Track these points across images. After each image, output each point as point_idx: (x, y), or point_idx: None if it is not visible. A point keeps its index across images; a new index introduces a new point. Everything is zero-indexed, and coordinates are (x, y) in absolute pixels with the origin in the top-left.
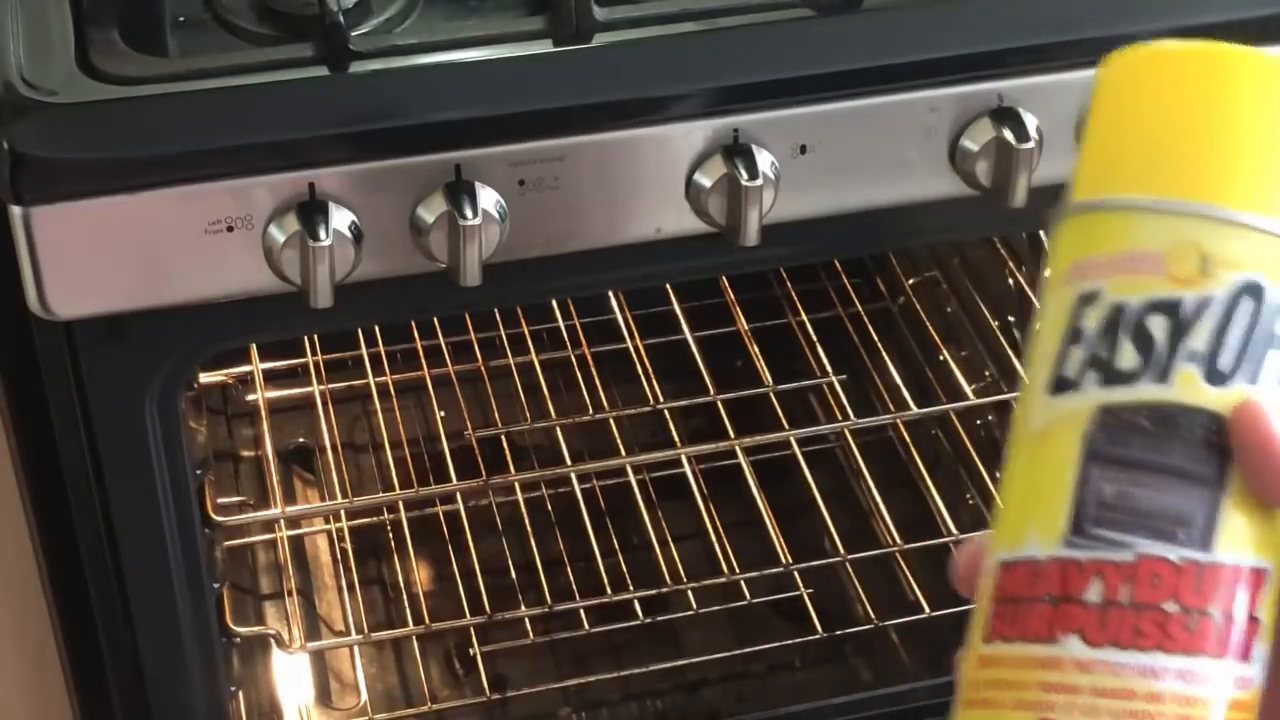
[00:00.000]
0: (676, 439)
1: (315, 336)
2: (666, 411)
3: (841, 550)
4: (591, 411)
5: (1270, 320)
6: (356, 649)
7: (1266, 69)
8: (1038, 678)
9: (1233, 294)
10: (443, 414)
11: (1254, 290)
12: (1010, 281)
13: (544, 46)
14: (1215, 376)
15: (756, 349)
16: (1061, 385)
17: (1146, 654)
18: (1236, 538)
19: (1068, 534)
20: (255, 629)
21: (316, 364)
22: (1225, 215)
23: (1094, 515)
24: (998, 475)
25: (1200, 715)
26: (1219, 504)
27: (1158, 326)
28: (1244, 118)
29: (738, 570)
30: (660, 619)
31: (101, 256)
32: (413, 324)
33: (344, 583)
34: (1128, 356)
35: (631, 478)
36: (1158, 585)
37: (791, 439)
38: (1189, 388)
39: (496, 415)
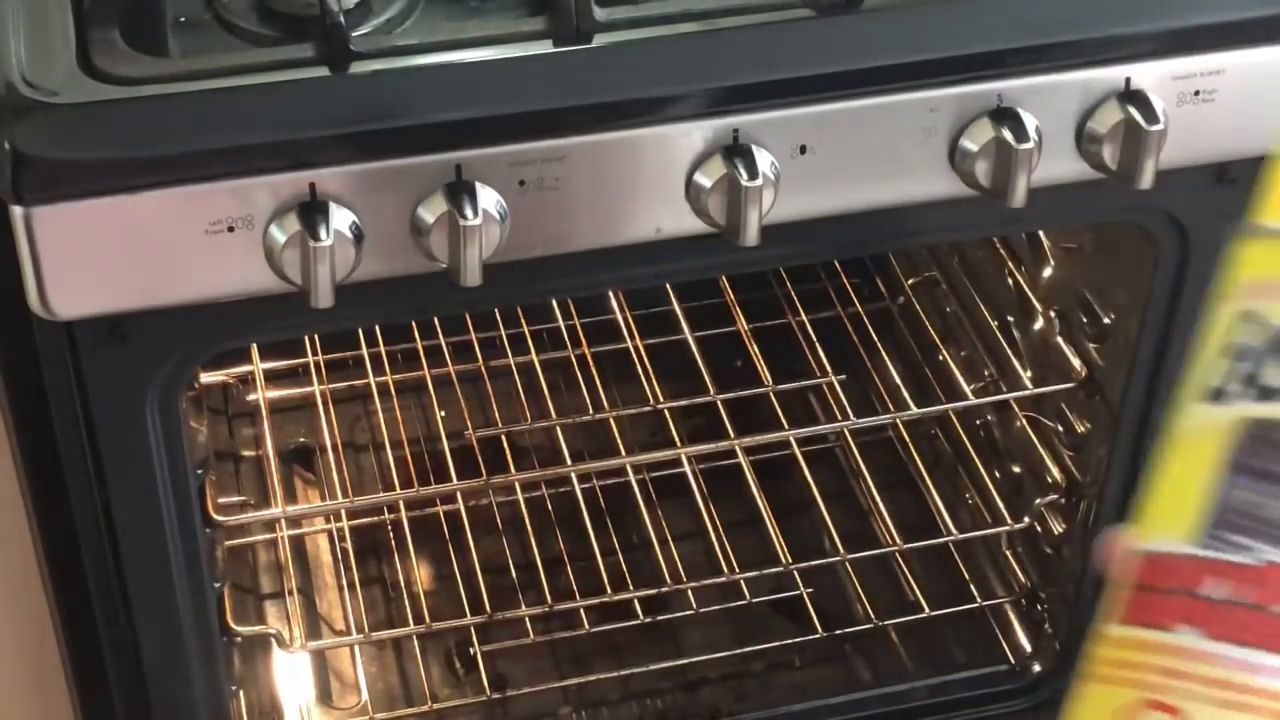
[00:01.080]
0: (676, 439)
1: (315, 336)
2: (666, 411)
3: (841, 550)
4: (591, 411)
5: None
6: (357, 648)
7: None
8: (1152, 661)
9: None
10: (443, 414)
11: None
12: (1010, 281)
13: (544, 47)
14: None
15: (756, 349)
16: (1214, 395)
17: (1254, 651)
18: None
19: (1199, 534)
20: (256, 628)
21: (317, 364)
22: None
23: (1225, 519)
24: (996, 474)
25: None
26: None
27: None
28: None
29: (737, 570)
30: (660, 619)
31: (102, 256)
32: (413, 324)
33: (344, 582)
34: (1278, 375)
35: (631, 478)
36: (1275, 590)
37: (791, 439)
38: None
39: (496, 415)
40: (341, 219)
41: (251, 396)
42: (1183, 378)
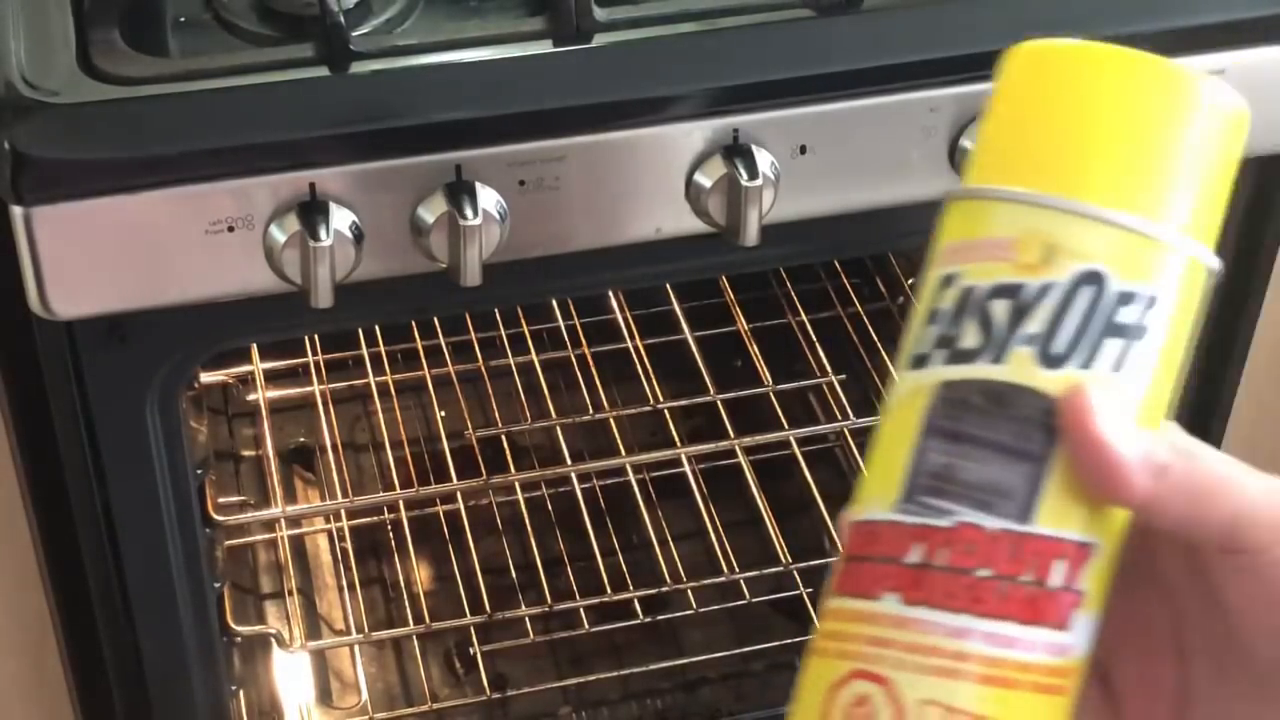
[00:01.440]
0: (676, 439)
1: (315, 336)
2: (666, 411)
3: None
4: (591, 411)
5: (1110, 309)
6: (357, 648)
7: (1117, 64)
8: (860, 630)
9: (1073, 281)
10: (443, 414)
11: (1095, 279)
12: None
13: (544, 46)
14: (1049, 359)
15: (756, 349)
16: (917, 361)
17: (955, 615)
18: (1059, 513)
19: (900, 500)
20: (256, 628)
21: (317, 364)
22: (1070, 206)
23: (924, 484)
24: None
25: (1005, 676)
26: (1041, 480)
27: (999, 309)
28: (1096, 111)
29: (737, 570)
30: (660, 618)
31: (102, 256)
32: (413, 324)
33: (344, 582)
34: (970, 336)
35: (631, 477)
36: (972, 552)
37: (791, 439)
38: (1021, 368)
39: (496, 415)
40: (341, 219)
41: (251, 396)
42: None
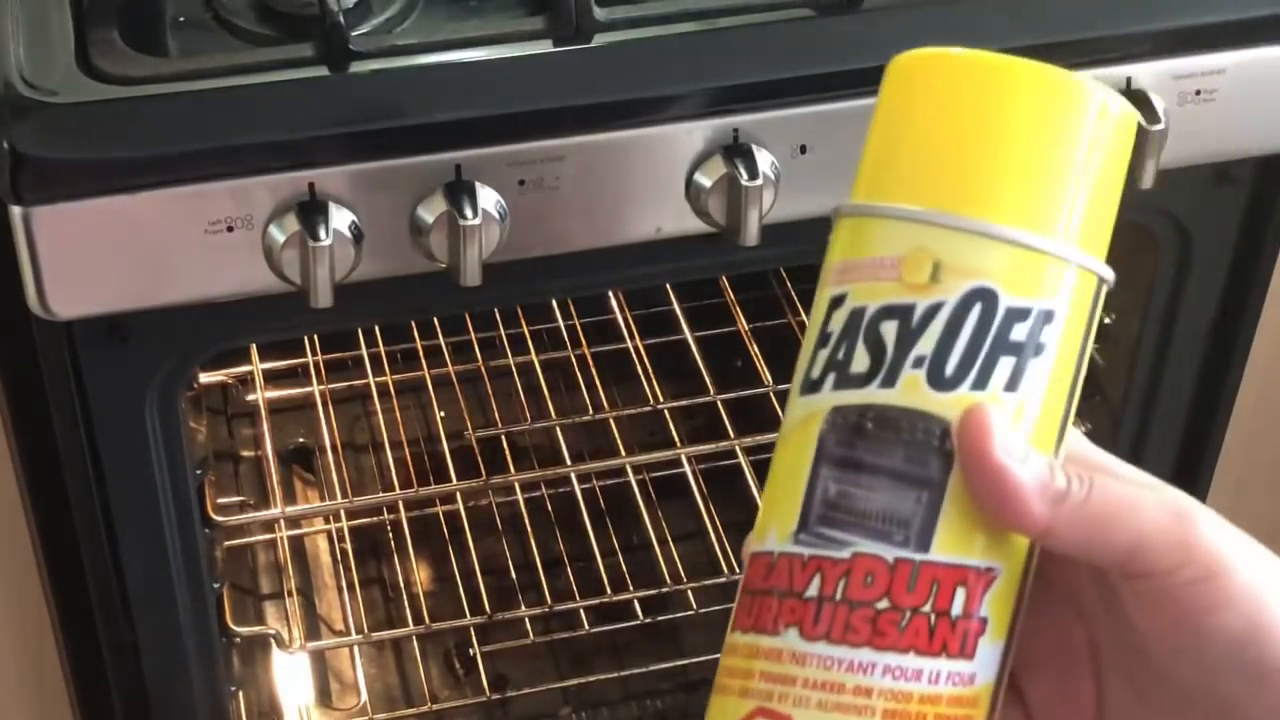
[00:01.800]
0: (676, 439)
1: (315, 336)
2: (666, 411)
3: None
4: (591, 411)
5: (1001, 326)
6: (356, 649)
7: (1000, 73)
8: (760, 668)
9: (962, 300)
10: (443, 414)
11: (985, 296)
12: None
13: (544, 46)
14: (940, 382)
15: (756, 349)
16: (808, 386)
17: (856, 649)
18: (957, 539)
19: (796, 531)
20: (255, 629)
21: (316, 364)
22: (956, 222)
23: (819, 514)
24: None
25: (910, 710)
26: (938, 506)
27: (888, 331)
28: (980, 123)
29: (738, 570)
30: (661, 619)
31: (101, 256)
32: (413, 324)
33: (344, 583)
34: (860, 360)
35: (631, 478)
36: (870, 583)
37: None
38: (912, 391)
39: (496, 415)
40: (341, 219)
41: (251, 397)
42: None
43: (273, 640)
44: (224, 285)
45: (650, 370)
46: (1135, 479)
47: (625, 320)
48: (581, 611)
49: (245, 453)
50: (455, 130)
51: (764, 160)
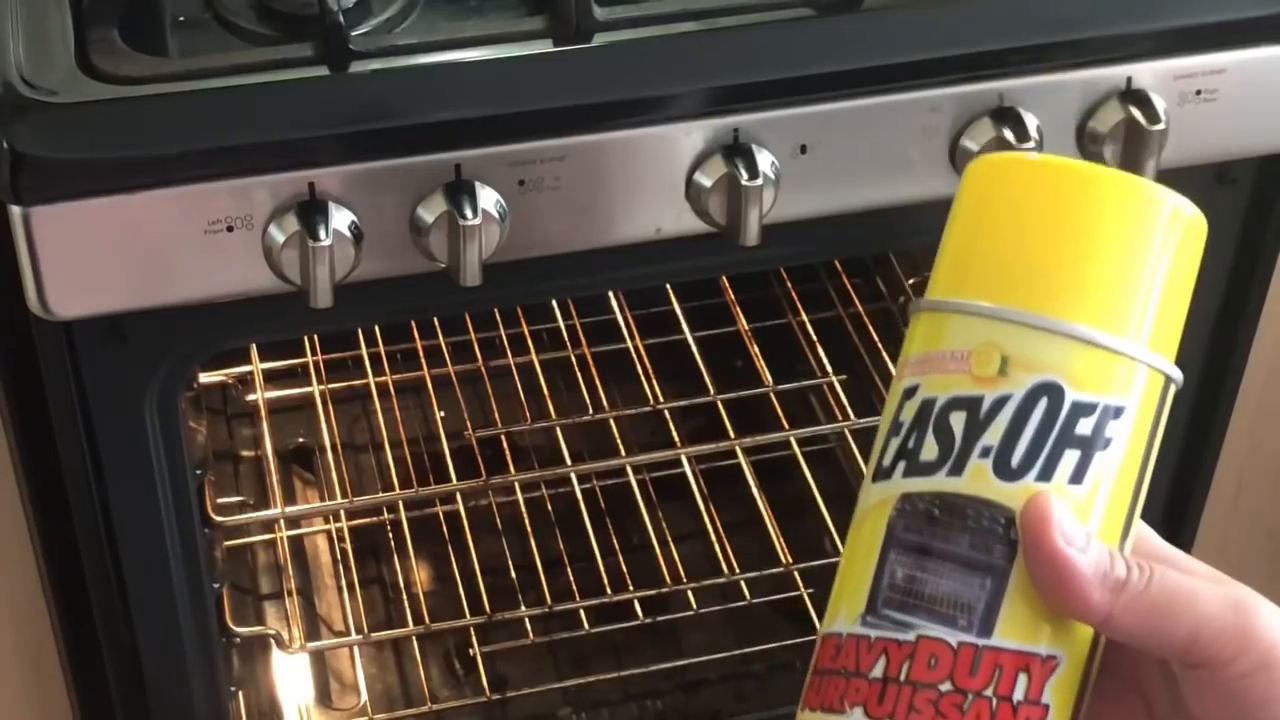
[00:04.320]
0: (676, 439)
1: (315, 336)
2: (666, 411)
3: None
4: (591, 411)
5: (1067, 420)
6: (356, 649)
7: (1077, 178)
8: None
9: (1029, 394)
10: (443, 414)
11: (1051, 391)
12: None
13: (544, 46)
14: (1005, 471)
15: (756, 349)
16: (881, 473)
17: None
18: (1019, 625)
19: (864, 613)
20: (255, 629)
21: (316, 364)
22: (1024, 319)
23: (885, 597)
24: None
25: None
26: (1001, 592)
27: (957, 421)
28: (1054, 225)
29: (738, 570)
30: (660, 619)
31: (101, 256)
32: (413, 324)
33: (344, 583)
34: (929, 448)
35: (631, 478)
36: (934, 666)
37: (791, 439)
38: (979, 480)
39: (496, 415)
40: (341, 219)
41: (251, 397)
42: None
43: (272, 640)
44: (224, 285)
45: (650, 370)
46: (1200, 571)
47: (625, 320)
48: (581, 611)
49: (245, 453)
50: (455, 130)
51: (764, 160)
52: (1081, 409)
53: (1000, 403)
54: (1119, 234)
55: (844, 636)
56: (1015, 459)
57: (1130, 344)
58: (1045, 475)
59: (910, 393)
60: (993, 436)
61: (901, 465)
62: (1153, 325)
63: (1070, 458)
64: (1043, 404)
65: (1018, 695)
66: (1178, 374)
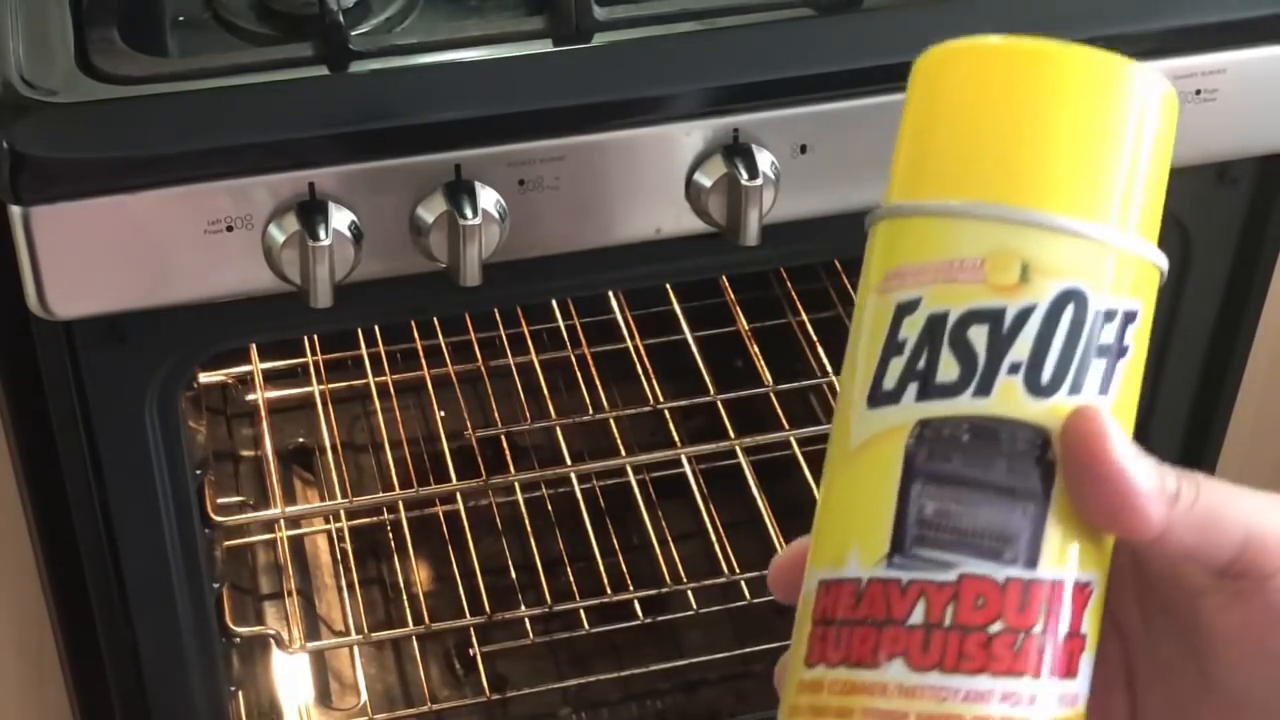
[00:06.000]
0: (676, 439)
1: (315, 336)
2: (666, 411)
3: None
4: (591, 411)
5: (1093, 329)
6: (356, 649)
7: (1085, 65)
8: (862, 704)
9: (1054, 303)
10: (443, 414)
11: (1077, 298)
12: None
13: (544, 46)
14: (1037, 388)
15: (756, 349)
16: (882, 398)
17: (971, 677)
18: (1061, 553)
19: (889, 554)
20: (255, 629)
21: (316, 364)
22: (1046, 221)
23: (916, 534)
24: None
25: None
26: (1043, 519)
27: (978, 337)
28: (1062, 117)
29: (738, 570)
30: (660, 619)
31: (101, 256)
32: (413, 324)
33: (344, 583)
34: (948, 368)
35: (631, 478)
36: (982, 606)
37: (791, 439)
38: (1010, 400)
39: (496, 415)
40: (341, 219)
41: (251, 397)
42: (843, 384)
43: (272, 640)
44: (224, 285)
45: (650, 370)
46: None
47: (625, 320)
48: (581, 611)
49: (245, 453)
50: (455, 130)
51: (764, 160)
52: (1104, 315)
53: (1025, 314)
54: (1113, 120)
55: (865, 582)
56: (1046, 374)
57: (1144, 244)
58: (1075, 389)
59: (909, 307)
60: (1020, 351)
61: (913, 388)
62: (1147, 216)
63: (1097, 368)
64: (1069, 312)
65: (1064, 628)
66: (1165, 262)
